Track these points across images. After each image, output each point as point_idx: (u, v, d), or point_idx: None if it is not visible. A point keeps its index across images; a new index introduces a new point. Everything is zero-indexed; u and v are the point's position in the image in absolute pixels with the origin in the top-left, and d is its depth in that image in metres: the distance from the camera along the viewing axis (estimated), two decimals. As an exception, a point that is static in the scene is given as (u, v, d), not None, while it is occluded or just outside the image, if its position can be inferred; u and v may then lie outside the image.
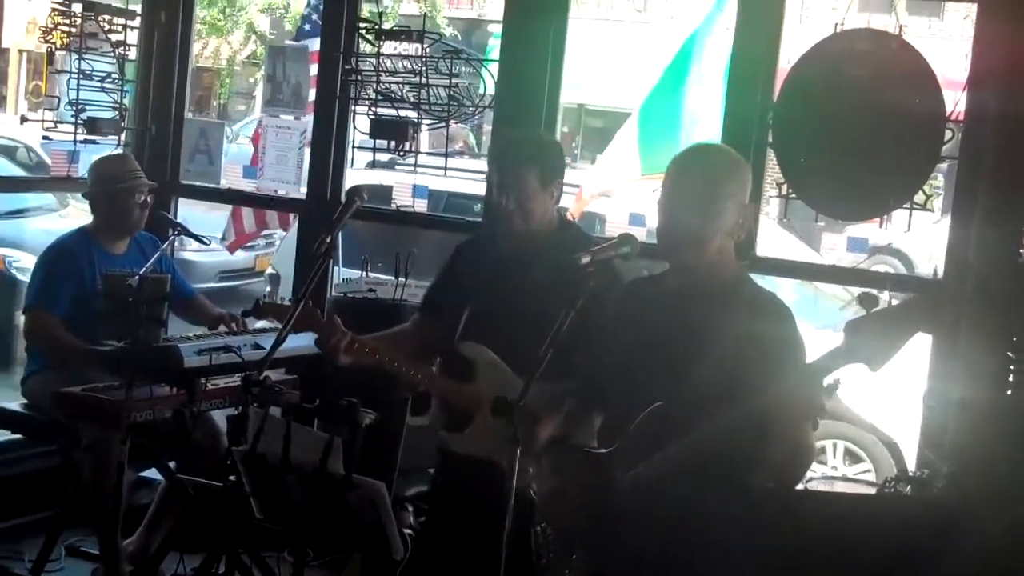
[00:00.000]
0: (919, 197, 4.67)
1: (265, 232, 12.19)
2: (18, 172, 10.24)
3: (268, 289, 9.41)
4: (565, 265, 3.74)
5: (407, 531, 4.02)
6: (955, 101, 4.61)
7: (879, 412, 6.81)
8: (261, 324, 5.25)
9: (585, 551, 3.10)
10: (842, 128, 4.70)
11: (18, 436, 5.70)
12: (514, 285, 4.13)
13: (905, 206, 4.69)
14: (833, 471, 6.92)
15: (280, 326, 3.99)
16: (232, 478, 3.94)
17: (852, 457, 7.00)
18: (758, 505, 3.03)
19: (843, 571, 2.90)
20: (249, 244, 11.97)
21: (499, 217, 4.23)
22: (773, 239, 7.69)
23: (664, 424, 3.08)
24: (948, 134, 4.61)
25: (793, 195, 4.89)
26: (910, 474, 4.15)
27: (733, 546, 2.91)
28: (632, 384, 3.26)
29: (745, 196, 3.30)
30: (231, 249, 8.30)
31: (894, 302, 2.89)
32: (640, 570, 3.03)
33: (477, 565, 3.87)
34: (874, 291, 2.88)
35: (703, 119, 6.81)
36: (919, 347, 4.88)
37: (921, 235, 8.81)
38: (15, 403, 5.51)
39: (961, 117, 4.66)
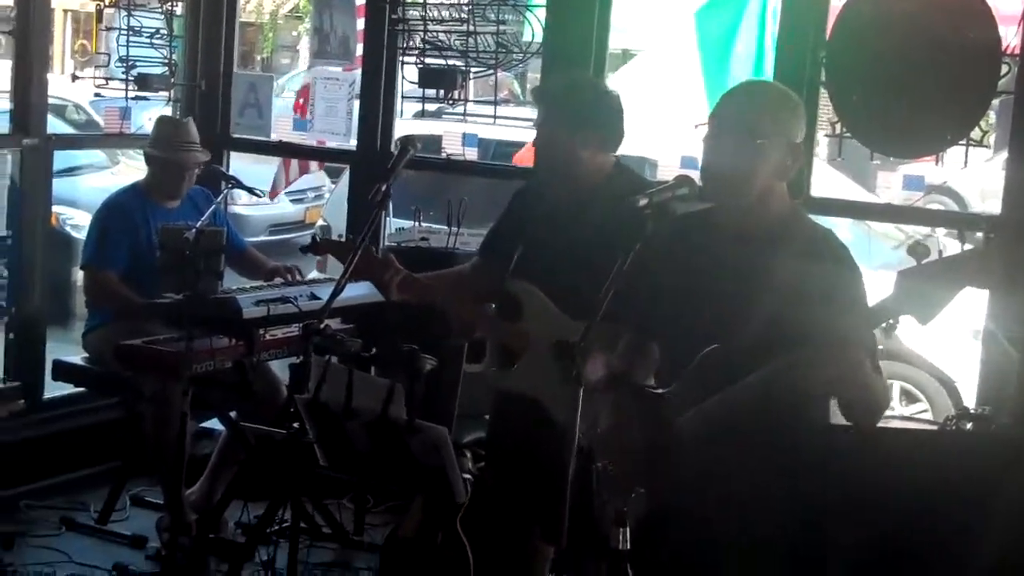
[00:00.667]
0: (975, 133, 4.62)
1: (312, 185, 12.32)
2: (68, 130, 10.29)
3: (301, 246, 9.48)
4: (620, 207, 3.75)
5: (466, 476, 4.03)
6: (1010, 35, 4.55)
7: (935, 351, 6.78)
8: (314, 275, 5.30)
9: (645, 490, 3.10)
10: (895, 65, 4.65)
11: (81, 389, 5.79)
12: (565, 228, 4.13)
13: (961, 142, 4.64)
14: (890, 411, 6.90)
15: (336, 271, 4.01)
16: (295, 426, 3.99)
17: (908, 397, 6.98)
18: (818, 444, 3.02)
19: (906, 507, 2.90)
20: (299, 196, 12.10)
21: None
22: (826, 179, 7.64)
23: (720, 366, 3.04)
24: (1004, 68, 4.55)
25: (847, 134, 4.86)
26: (971, 411, 4.14)
27: (792, 486, 2.91)
28: (685, 326, 3.22)
29: (795, 134, 3.17)
30: (271, 197, 8.35)
31: (945, 254, 2.81)
32: (699, 511, 3.04)
33: (536, 505, 3.93)
34: (924, 241, 2.84)
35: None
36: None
37: (974, 174, 8.72)
38: (77, 357, 5.60)
39: (1017, 51, 4.60)
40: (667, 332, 3.32)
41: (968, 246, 2.79)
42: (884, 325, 2.90)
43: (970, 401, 4.80)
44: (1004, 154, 4.99)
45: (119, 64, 6.12)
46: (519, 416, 4.14)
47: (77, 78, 6.90)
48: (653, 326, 3.35)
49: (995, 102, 4.74)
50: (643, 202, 3.07)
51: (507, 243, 4.31)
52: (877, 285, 2.97)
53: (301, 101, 6.83)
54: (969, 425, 3.85)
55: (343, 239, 4.55)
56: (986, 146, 4.69)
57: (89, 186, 9.94)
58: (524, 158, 7.29)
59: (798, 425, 3.01)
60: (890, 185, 5.91)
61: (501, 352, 4.23)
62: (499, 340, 4.21)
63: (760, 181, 3.14)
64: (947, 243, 7.53)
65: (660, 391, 3.16)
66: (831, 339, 2.89)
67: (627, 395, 3.11)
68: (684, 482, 3.03)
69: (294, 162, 7.92)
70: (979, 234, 4.52)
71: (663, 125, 7.08)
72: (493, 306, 4.33)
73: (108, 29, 6.26)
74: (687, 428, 3.01)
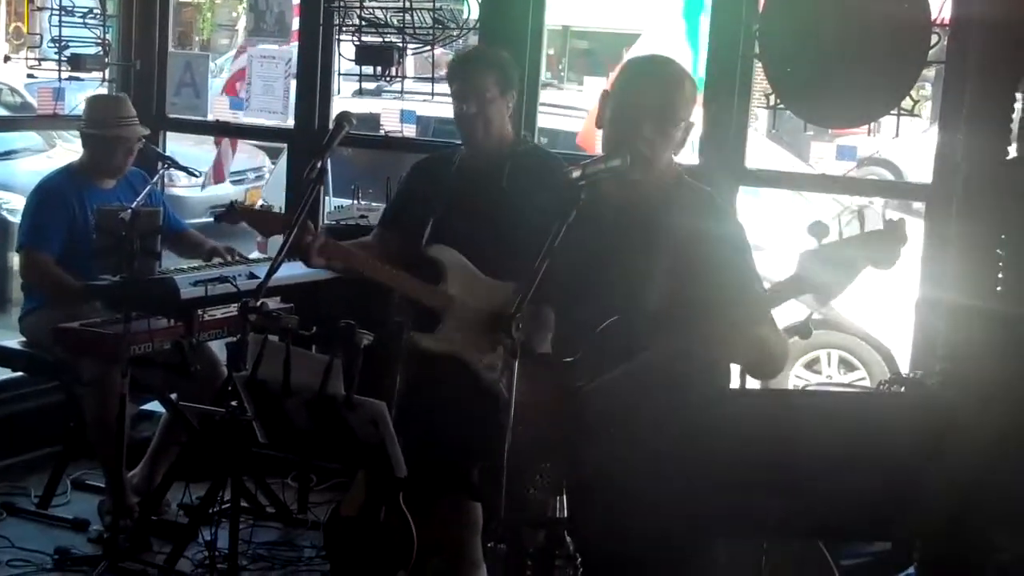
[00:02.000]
0: (907, 103, 4.68)
1: (252, 166, 12.24)
2: (3, 113, 10.18)
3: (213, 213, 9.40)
4: (543, 177, 3.85)
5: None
6: (940, 5, 4.61)
7: (871, 320, 6.86)
8: (255, 255, 5.27)
9: (554, 461, 3.13)
10: (828, 36, 4.70)
11: (19, 374, 5.75)
12: (482, 193, 4.29)
13: (893, 112, 4.70)
14: (828, 379, 6.99)
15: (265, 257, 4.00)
16: (234, 404, 3.99)
17: (846, 365, 7.06)
18: (740, 407, 3.06)
19: (835, 470, 2.93)
20: (239, 177, 12.01)
21: (460, 127, 4.38)
22: (762, 151, 7.70)
23: (623, 334, 3.10)
24: (934, 38, 4.60)
25: (781, 105, 4.90)
26: (904, 376, 4.20)
27: (711, 452, 2.94)
28: (585, 295, 3.29)
29: (692, 114, 3.30)
30: (216, 181, 8.25)
31: (845, 234, 2.82)
32: (606, 482, 3.07)
33: (452, 459, 4.02)
34: (823, 221, 2.85)
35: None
36: (910, 254, 4.93)
37: (910, 144, 8.81)
38: (14, 341, 5.55)
39: (947, 21, 4.66)
40: (570, 298, 3.37)
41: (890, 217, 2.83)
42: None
43: (904, 368, 4.87)
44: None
45: (52, 44, 6.04)
46: (432, 369, 4.22)
47: (9, 59, 6.80)
48: (552, 293, 3.36)
49: (929, 73, 4.79)
50: (576, 173, 3.09)
51: (409, 213, 4.44)
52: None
53: (237, 85, 6.78)
54: (902, 389, 3.91)
55: (265, 207, 4.55)
56: (917, 115, 4.75)
57: (25, 169, 9.83)
58: (587, 139, 7.29)
59: (707, 392, 3.11)
60: (824, 156, 5.96)
61: (421, 314, 4.29)
62: (416, 299, 4.27)
63: (666, 159, 3.28)
64: (890, 213, 7.64)
65: (565, 360, 3.18)
66: (726, 306, 2.95)
67: (532, 364, 3.13)
68: (590, 456, 3.05)
69: (236, 142, 7.86)
70: (916, 204, 4.58)
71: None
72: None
73: (40, 9, 6.18)
74: (595, 396, 3.04)
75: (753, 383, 3.54)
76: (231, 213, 4.41)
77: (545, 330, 3.54)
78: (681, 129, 3.25)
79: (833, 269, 2.78)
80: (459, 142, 4.53)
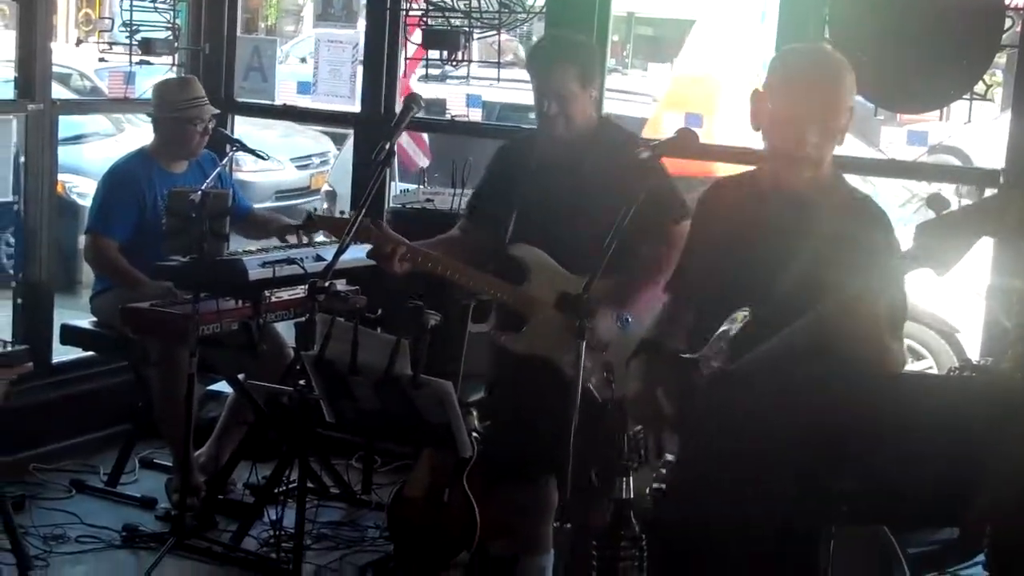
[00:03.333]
0: (979, 88, 4.61)
1: (318, 151, 12.31)
2: (74, 98, 10.29)
3: (325, 205, 9.46)
4: (619, 158, 3.78)
5: (473, 433, 4.06)
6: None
7: (938, 307, 6.78)
8: (322, 238, 5.30)
9: (676, 455, 3.11)
10: (899, 20, 4.64)
11: (89, 353, 5.82)
12: (562, 186, 4.16)
13: (965, 97, 4.63)
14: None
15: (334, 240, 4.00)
16: (301, 384, 4.02)
17: (913, 354, 6.98)
18: (830, 389, 3.01)
19: (905, 454, 2.90)
20: (304, 162, 12.10)
21: (541, 123, 4.23)
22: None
23: (752, 326, 3.04)
24: (1008, 22, 4.54)
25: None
26: (973, 363, 4.15)
27: (809, 437, 2.92)
28: (724, 287, 3.21)
29: (851, 102, 3.16)
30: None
31: (964, 203, 2.82)
32: (726, 471, 3.04)
33: (541, 459, 3.97)
34: (941, 193, 2.82)
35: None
36: (981, 242, 4.87)
37: (980, 131, 8.69)
38: (85, 321, 5.63)
39: (1021, 5, 4.59)
40: (710, 290, 3.30)
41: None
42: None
43: (974, 355, 4.81)
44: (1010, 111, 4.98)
45: (123, 29, 6.10)
46: (520, 371, 4.16)
47: (81, 42, 6.88)
48: (694, 284, 3.34)
49: (1000, 59, 4.73)
50: (645, 154, 3.09)
51: (494, 203, 4.34)
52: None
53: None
54: (972, 374, 3.86)
55: (343, 215, 4.53)
56: (990, 100, 4.69)
57: (95, 154, 9.93)
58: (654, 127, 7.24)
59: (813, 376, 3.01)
60: (894, 141, 5.89)
61: (506, 315, 4.25)
62: (501, 300, 4.23)
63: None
64: (953, 200, 7.55)
65: (691, 356, 3.15)
66: (849, 295, 2.87)
67: (658, 362, 3.11)
68: (710, 446, 3.03)
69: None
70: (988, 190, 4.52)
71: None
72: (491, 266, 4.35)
73: (111, -6, 6.25)
74: (711, 384, 3.03)
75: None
76: (310, 223, 4.45)
77: (683, 331, 3.39)
78: (845, 119, 3.11)
79: (953, 238, 2.71)
80: (527, 126, 4.49)
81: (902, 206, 6.86)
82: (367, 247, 4.16)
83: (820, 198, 3.12)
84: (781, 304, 3.00)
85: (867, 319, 2.88)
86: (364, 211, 4.01)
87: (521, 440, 4.08)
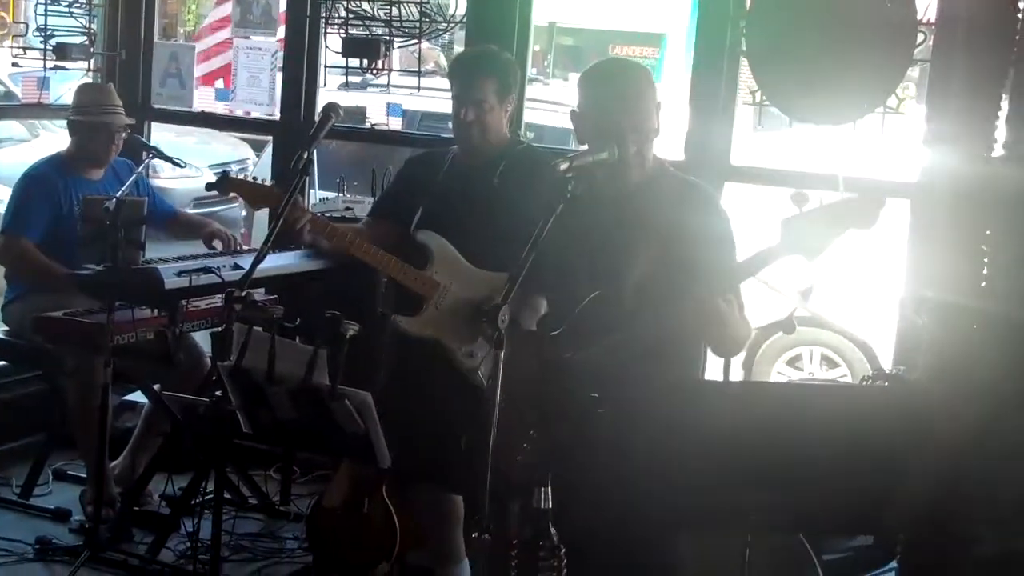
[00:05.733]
0: (892, 101, 4.69)
1: (236, 158, 12.22)
2: (-13, 103, 10.15)
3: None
4: (536, 170, 3.91)
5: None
6: (926, 4, 4.63)
7: (852, 317, 6.87)
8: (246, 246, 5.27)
9: (538, 429, 3.16)
10: (814, 34, 4.70)
11: (1, 363, 5.72)
12: (469, 189, 4.36)
13: (878, 110, 4.71)
14: (810, 376, 7.00)
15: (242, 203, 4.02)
16: (217, 395, 3.98)
17: (828, 362, 7.07)
18: (724, 399, 3.10)
19: (818, 463, 2.94)
20: (222, 169, 11.98)
21: (456, 130, 4.43)
22: (747, 148, 7.68)
23: (605, 310, 3.28)
24: (920, 37, 4.62)
25: (767, 102, 4.91)
26: (886, 372, 4.22)
27: (693, 443, 2.97)
28: (573, 282, 3.44)
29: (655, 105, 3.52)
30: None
31: (826, 201, 3.02)
32: (590, 450, 3.10)
33: (431, 447, 4.07)
34: (803, 191, 3.04)
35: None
36: (894, 252, 4.94)
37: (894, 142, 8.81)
38: (-4, 331, 5.54)
39: (933, 20, 4.67)
40: (559, 285, 3.55)
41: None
42: (801, 289, 3.04)
43: (887, 364, 4.89)
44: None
45: (37, 33, 6.02)
46: (413, 352, 4.28)
47: (-6, 47, 6.78)
48: (544, 276, 3.47)
49: (913, 72, 4.81)
50: (564, 166, 3.14)
51: (400, 205, 4.51)
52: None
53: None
54: (884, 384, 3.92)
55: (256, 180, 4.57)
56: (901, 113, 4.77)
57: (9, 159, 9.78)
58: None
59: (682, 374, 3.40)
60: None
61: (404, 297, 4.35)
62: (401, 282, 4.32)
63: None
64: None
65: (550, 333, 3.33)
66: (698, 286, 3.15)
67: (514, 340, 3.17)
68: (574, 425, 3.10)
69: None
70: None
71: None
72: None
73: (25, -2, 6.16)
74: (576, 369, 3.15)
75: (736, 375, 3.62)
76: (223, 184, 4.45)
77: (534, 314, 3.63)
78: (655, 120, 3.48)
79: (819, 230, 2.97)
80: (446, 136, 4.56)
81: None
82: (286, 254, 4.19)
83: (651, 190, 3.48)
84: (632, 291, 3.36)
85: (726, 309, 3.14)
86: (283, 216, 4.03)
87: (418, 442, 4.11)
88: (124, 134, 5.54)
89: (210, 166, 11.79)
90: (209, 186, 4.54)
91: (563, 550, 2.91)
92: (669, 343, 3.28)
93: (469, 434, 3.73)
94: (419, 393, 4.25)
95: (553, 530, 2.88)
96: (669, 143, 5.39)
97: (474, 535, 2.99)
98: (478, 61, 4.50)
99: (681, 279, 3.24)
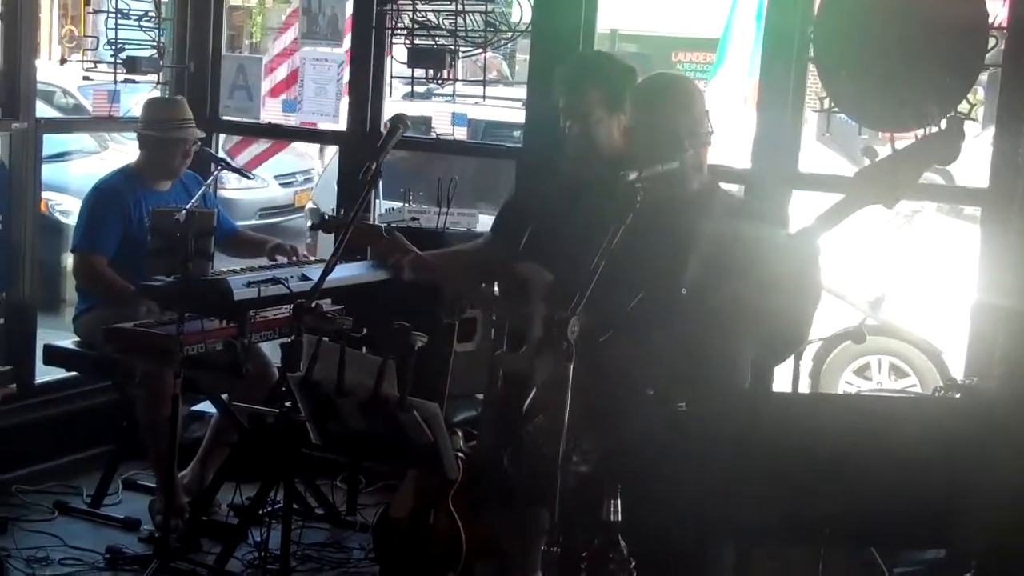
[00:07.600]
0: (963, 106, 4.63)
1: (301, 168, 12.32)
2: (57, 116, 10.26)
3: (309, 223, 9.46)
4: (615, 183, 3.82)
5: (458, 454, 4.05)
6: (998, 8, 4.56)
7: (922, 326, 6.79)
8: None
9: (590, 436, 3.14)
10: (883, 39, 4.65)
11: (73, 373, 5.80)
12: (572, 209, 4.10)
13: (948, 115, 4.64)
14: (879, 386, 6.92)
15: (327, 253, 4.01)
16: (287, 405, 4.00)
17: (897, 372, 7.00)
18: (795, 411, 3.07)
19: (890, 476, 2.91)
20: (288, 180, 12.11)
21: (565, 143, 4.16)
22: (815, 154, 7.64)
23: (653, 315, 3.29)
24: (992, 41, 4.56)
25: (835, 109, 4.86)
26: (958, 382, 4.16)
27: (764, 456, 2.93)
28: (616, 291, 3.36)
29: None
30: None
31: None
32: (658, 460, 3.07)
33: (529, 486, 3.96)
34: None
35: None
36: (965, 259, 4.88)
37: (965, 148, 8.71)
38: (68, 341, 5.60)
39: (1004, 24, 4.61)
40: (602, 291, 3.39)
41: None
42: (873, 298, 3.00)
43: (959, 374, 4.82)
44: (992, 128, 5.00)
45: (107, 47, 6.09)
46: (517, 389, 4.16)
47: (66, 61, 6.87)
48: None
49: (983, 77, 4.75)
50: (632, 176, 3.12)
51: (511, 225, 4.33)
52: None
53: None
54: (956, 395, 3.87)
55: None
56: (974, 119, 4.70)
57: (79, 172, 9.91)
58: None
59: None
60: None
61: (509, 335, 4.22)
62: (505, 322, 4.22)
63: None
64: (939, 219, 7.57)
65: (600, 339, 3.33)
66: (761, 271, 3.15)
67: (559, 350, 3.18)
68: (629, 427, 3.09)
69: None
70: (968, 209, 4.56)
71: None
72: (496, 287, 4.35)
73: (96, 12, 6.23)
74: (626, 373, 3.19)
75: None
76: (325, 223, 4.49)
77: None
78: (706, 125, 3.59)
79: (895, 173, 2.97)
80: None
81: (886, 223, 6.89)
82: (354, 265, 4.18)
83: (700, 203, 3.56)
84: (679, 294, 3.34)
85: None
86: (351, 227, 4.03)
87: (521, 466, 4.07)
88: (196, 146, 5.60)
89: (276, 176, 11.91)
90: (312, 227, 4.55)
91: (633, 563, 2.89)
92: (716, 344, 3.29)
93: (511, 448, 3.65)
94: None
95: (623, 542, 2.86)
96: (735, 150, 5.39)
97: (544, 548, 2.98)
98: (583, 70, 4.21)
99: (732, 285, 3.22)
